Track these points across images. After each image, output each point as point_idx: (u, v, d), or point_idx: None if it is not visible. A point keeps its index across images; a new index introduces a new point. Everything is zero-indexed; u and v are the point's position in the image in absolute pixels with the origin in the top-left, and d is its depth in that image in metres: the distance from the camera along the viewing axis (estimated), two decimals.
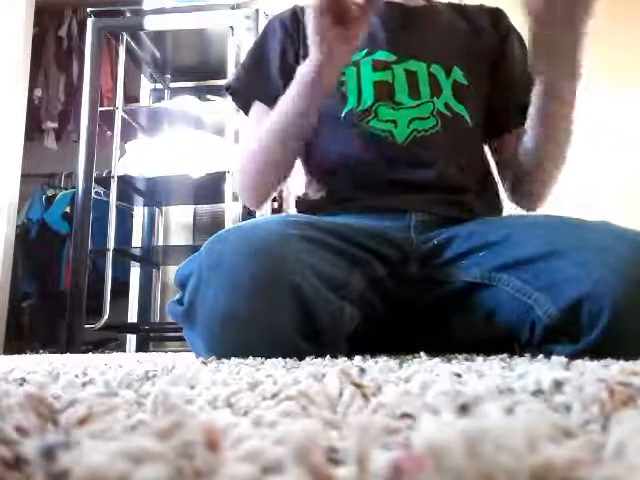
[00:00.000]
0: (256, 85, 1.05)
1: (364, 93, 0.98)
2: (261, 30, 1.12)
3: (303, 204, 1.03)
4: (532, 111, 0.91)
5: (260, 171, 0.99)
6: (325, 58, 0.85)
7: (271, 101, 0.98)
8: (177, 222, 2.66)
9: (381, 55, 1.01)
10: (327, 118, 0.97)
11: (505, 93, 1.05)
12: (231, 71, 2.11)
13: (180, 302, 0.79)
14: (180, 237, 2.63)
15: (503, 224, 0.87)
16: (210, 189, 2.22)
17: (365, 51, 1.01)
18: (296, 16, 1.06)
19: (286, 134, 0.94)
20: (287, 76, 0.96)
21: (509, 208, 1.08)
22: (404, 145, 0.95)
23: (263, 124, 0.98)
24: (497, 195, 1.04)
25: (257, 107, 1.05)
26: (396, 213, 0.93)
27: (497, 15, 1.10)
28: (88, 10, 2.26)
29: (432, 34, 1.06)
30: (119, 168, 2.18)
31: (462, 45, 1.05)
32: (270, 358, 0.66)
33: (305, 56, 0.93)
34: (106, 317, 2.09)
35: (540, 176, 0.97)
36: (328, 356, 0.66)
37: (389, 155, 0.95)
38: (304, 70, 0.89)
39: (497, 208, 1.04)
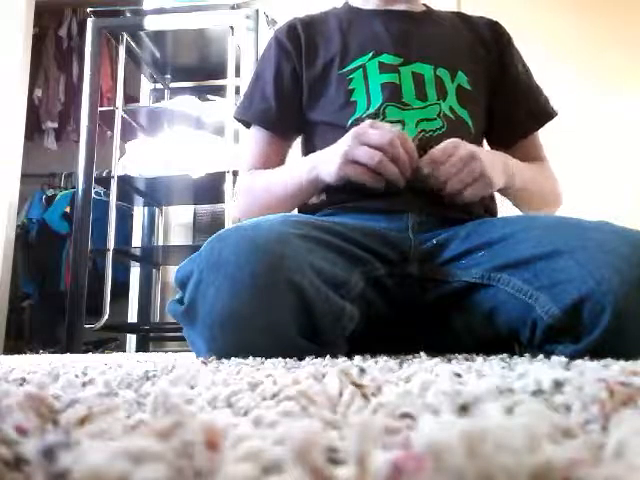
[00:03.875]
0: (253, 110, 1.10)
1: (372, 95, 0.99)
2: (262, 31, 1.13)
3: (303, 206, 1.03)
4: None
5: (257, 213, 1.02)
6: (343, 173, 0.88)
7: (266, 124, 1.07)
8: (177, 222, 2.65)
9: (387, 58, 1.02)
10: (333, 127, 0.98)
11: (511, 104, 1.07)
12: (231, 71, 2.12)
13: (180, 301, 0.79)
14: (180, 237, 2.63)
15: (503, 224, 0.86)
16: (210, 189, 2.22)
17: (371, 54, 1.01)
18: (294, 29, 1.07)
19: (280, 198, 1.00)
20: (282, 95, 1.05)
21: (510, 207, 1.08)
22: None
23: (264, 177, 1.04)
24: (492, 197, 1.04)
25: (253, 130, 1.10)
26: (394, 214, 0.93)
27: (497, 28, 1.11)
28: (88, 10, 2.25)
29: (437, 38, 1.06)
30: (119, 168, 2.18)
31: (466, 51, 1.06)
32: (270, 357, 0.66)
33: (307, 64, 1.02)
34: (106, 317, 2.09)
35: (533, 209, 1.05)
36: (328, 356, 0.66)
37: None
38: (315, 163, 0.93)
39: (494, 210, 1.04)
